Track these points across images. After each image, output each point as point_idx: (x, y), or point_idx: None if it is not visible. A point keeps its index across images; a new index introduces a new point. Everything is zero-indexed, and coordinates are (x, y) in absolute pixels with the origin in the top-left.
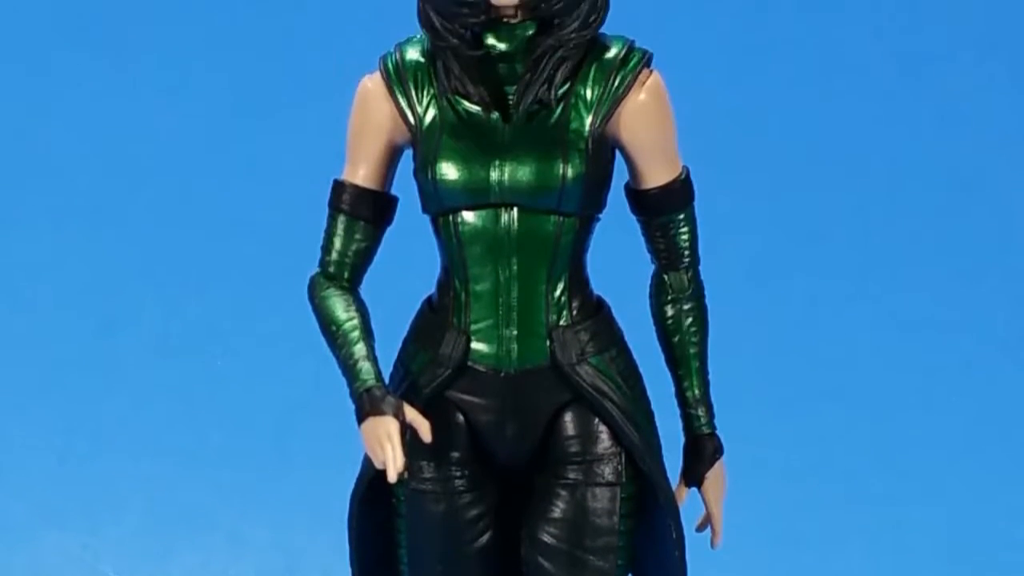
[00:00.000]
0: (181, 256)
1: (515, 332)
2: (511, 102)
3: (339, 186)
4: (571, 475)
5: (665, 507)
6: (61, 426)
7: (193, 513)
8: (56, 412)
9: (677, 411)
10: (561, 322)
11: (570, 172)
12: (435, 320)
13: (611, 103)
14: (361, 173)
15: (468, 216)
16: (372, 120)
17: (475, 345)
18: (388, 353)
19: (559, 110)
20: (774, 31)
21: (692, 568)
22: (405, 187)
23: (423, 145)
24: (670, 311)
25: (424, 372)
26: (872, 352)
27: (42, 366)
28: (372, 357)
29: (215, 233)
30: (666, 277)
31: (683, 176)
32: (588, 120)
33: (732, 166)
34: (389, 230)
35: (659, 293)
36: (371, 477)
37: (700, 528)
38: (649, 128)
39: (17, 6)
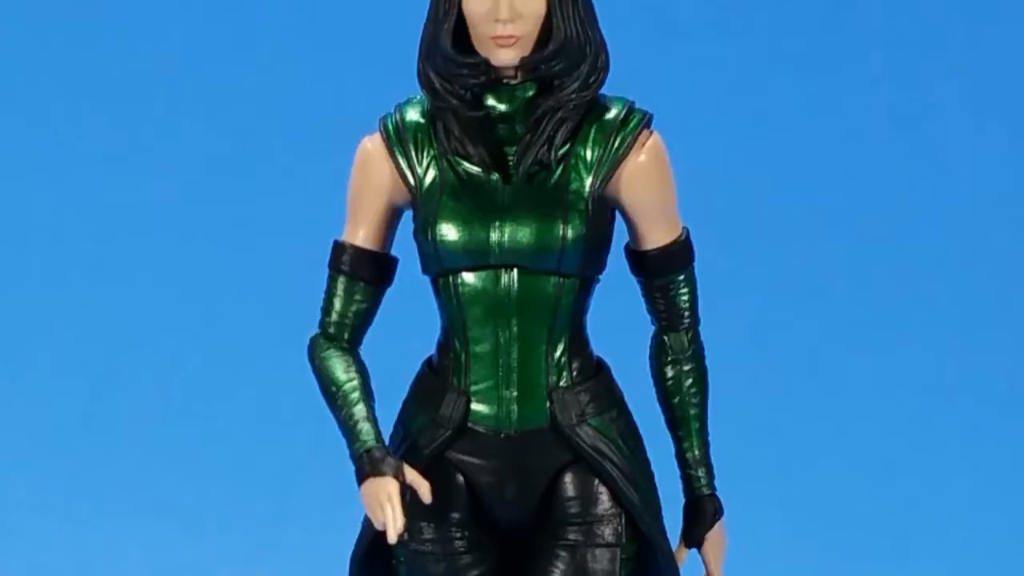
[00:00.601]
0: (180, 317)
1: (515, 393)
2: (511, 163)
3: (339, 247)
4: (571, 536)
5: (665, 568)
6: (61, 487)
7: (194, 574)
8: (56, 473)
9: (677, 472)
10: (561, 383)
11: (570, 233)
12: (435, 381)
13: (611, 164)
14: (361, 234)
15: (468, 277)
16: (372, 181)
17: (475, 406)
18: (388, 414)
19: (559, 171)
20: (772, 92)
21: None
22: (405, 248)
23: (423, 206)
24: (670, 372)
25: (424, 433)
26: (873, 412)
27: (42, 428)
28: (372, 418)
29: (214, 294)
30: (666, 338)
31: (683, 237)
32: (588, 181)
33: (732, 226)
34: (389, 290)
35: (659, 354)
36: (371, 538)
37: None
38: (649, 189)
39: (17, 67)
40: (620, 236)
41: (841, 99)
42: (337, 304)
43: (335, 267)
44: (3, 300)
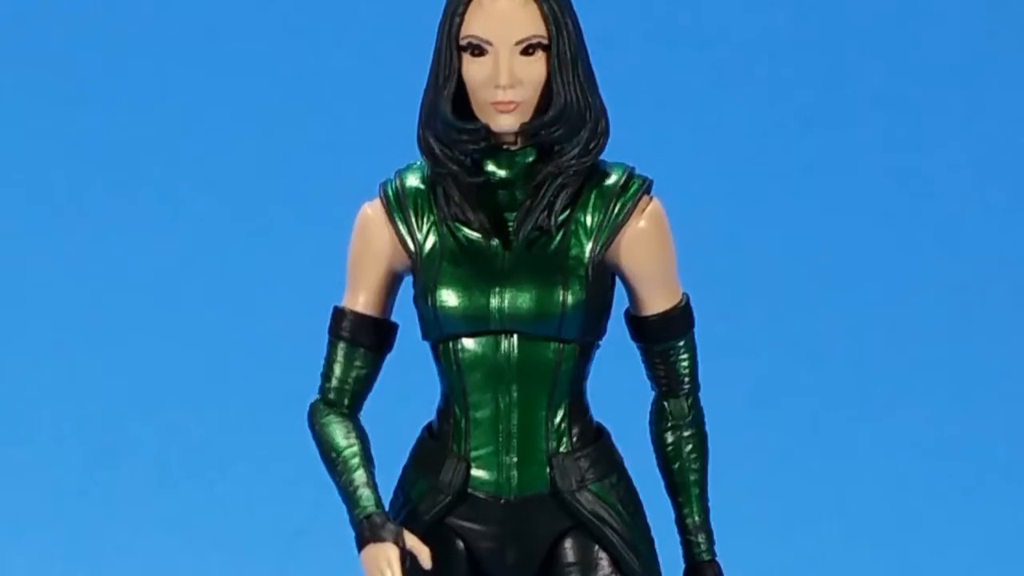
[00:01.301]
0: (180, 384)
1: (515, 459)
2: (511, 229)
3: (339, 313)
4: None
5: None
6: (61, 555)
7: None
8: (57, 541)
9: (677, 537)
10: (561, 449)
11: (570, 299)
12: (435, 447)
13: (611, 230)
14: (361, 300)
15: (468, 343)
16: (372, 247)
17: (475, 472)
18: (388, 480)
19: (559, 237)
20: (772, 157)
21: None
22: (405, 313)
23: (423, 272)
24: (670, 438)
25: (424, 499)
26: (873, 477)
27: (43, 495)
28: (372, 484)
29: (213, 360)
30: (666, 404)
31: (683, 303)
32: (588, 247)
33: (732, 292)
34: (389, 356)
35: (659, 420)
36: None
37: None
38: (649, 255)
39: (16, 132)
40: (620, 302)
41: (842, 163)
42: (337, 370)
43: (335, 333)
44: (2, 368)
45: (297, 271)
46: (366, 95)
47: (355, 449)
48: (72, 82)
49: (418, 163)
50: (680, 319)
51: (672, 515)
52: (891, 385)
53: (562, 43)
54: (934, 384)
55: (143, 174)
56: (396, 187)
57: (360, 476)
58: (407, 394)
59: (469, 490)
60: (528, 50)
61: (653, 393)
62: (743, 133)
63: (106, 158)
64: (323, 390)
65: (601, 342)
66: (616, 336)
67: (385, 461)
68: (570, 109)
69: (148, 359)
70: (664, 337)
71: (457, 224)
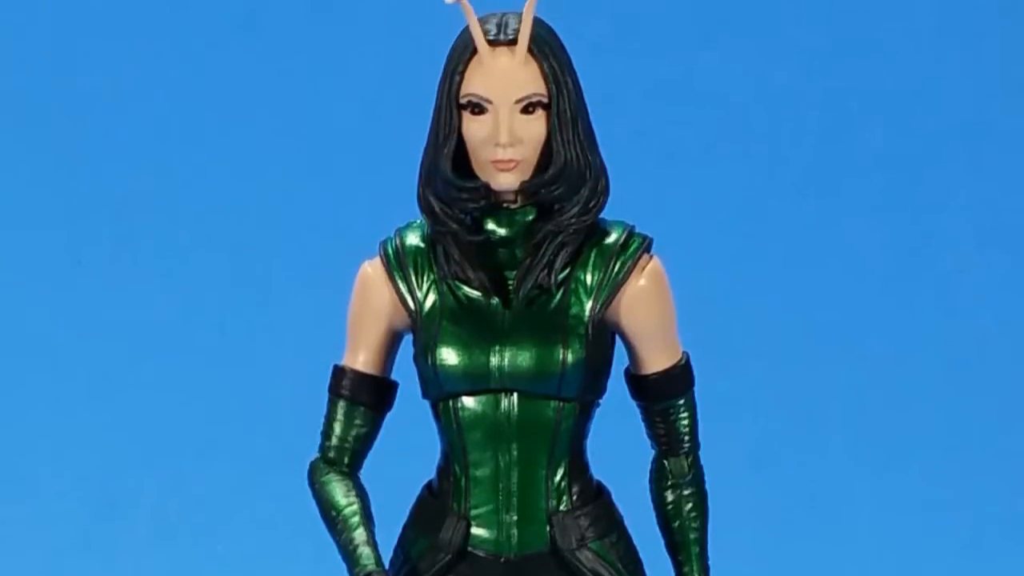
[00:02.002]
0: (180, 440)
1: (515, 517)
2: (511, 287)
3: (339, 371)
4: None
5: None
6: None
7: None
8: None
9: None
10: (561, 507)
11: (570, 357)
12: (435, 505)
13: (611, 288)
14: (361, 358)
15: (468, 401)
16: (372, 305)
17: (475, 530)
18: (388, 538)
19: (559, 295)
20: (772, 216)
21: None
22: (405, 371)
23: (423, 330)
24: (670, 496)
25: (424, 557)
26: (872, 535)
27: (43, 550)
28: (372, 542)
29: (214, 417)
30: (666, 462)
31: (683, 361)
32: (588, 305)
33: (732, 351)
34: (389, 414)
35: (659, 478)
36: None
37: None
38: (649, 313)
39: (17, 181)
40: (620, 360)
41: (841, 222)
42: (337, 428)
43: (335, 391)
44: (3, 423)
45: (297, 328)
46: (366, 152)
47: (355, 507)
48: (73, 137)
49: (418, 221)
50: (680, 378)
51: (672, 574)
52: (890, 444)
53: (562, 101)
54: (933, 444)
55: (144, 229)
56: (396, 245)
57: (360, 534)
58: (407, 452)
59: (469, 549)
60: (528, 108)
61: (653, 452)
62: (743, 192)
63: (107, 213)
64: (323, 448)
65: (601, 401)
66: (616, 394)
67: (385, 520)
68: (570, 168)
69: (148, 414)
70: (664, 396)
71: (457, 283)
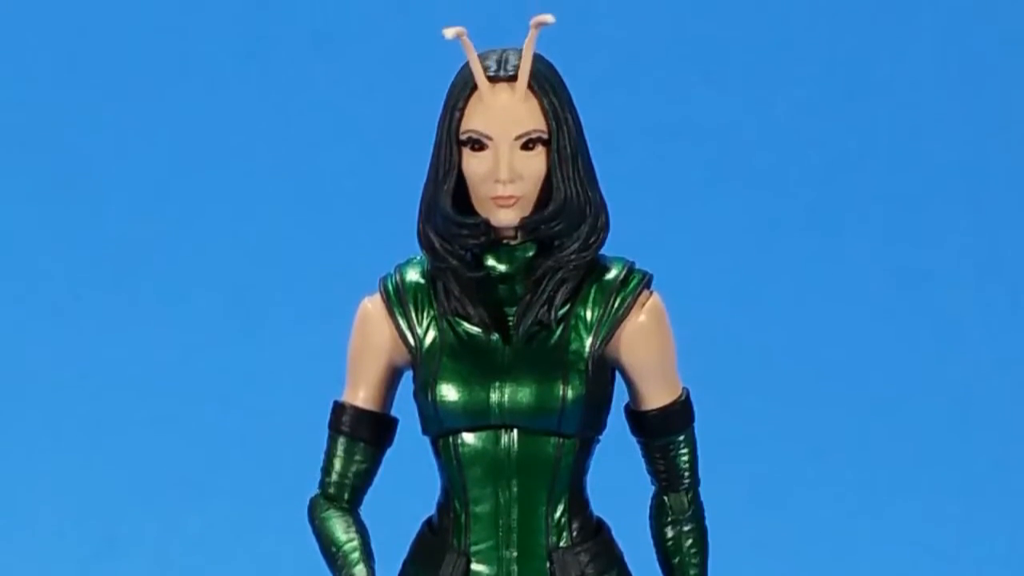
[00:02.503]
0: (179, 478)
1: (515, 554)
2: (511, 323)
3: (339, 408)
4: None
5: None
6: None
7: None
8: None
9: None
10: (561, 544)
11: (570, 393)
12: (435, 542)
13: (611, 324)
14: (361, 395)
15: (468, 438)
16: (372, 342)
17: (475, 567)
18: (388, 574)
19: (559, 331)
20: (772, 252)
21: None
22: (405, 408)
23: (423, 367)
24: (670, 532)
25: None
26: (874, 571)
27: None
28: None
29: (213, 454)
30: (666, 498)
31: (683, 398)
32: (588, 341)
33: (731, 387)
34: (389, 450)
35: (659, 515)
36: None
37: None
38: (649, 349)
39: (15, 228)
40: (620, 396)
41: (841, 257)
42: (337, 464)
43: (335, 428)
44: (3, 462)
45: (297, 365)
46: (366, 189)
47: (355, 544)
48: (72, 178)
49: (418, 257)
50: (680, 414)
51: None
52: (891, 480)
53: (562, 138)
54: (935, 480)
55: (144, 268)
56: (396, 282)
57: (360, 571)
58: (407, 489)
59: None
60: (528, 145)
61: (653, 488)
62: (742, 227)
63: (106, 253)
64: (323, 484)
65: (601, 437)
66: (616, 430)
67: (385, 556)
68: (570, 204)
69: (148, 453)
70: (664, 432)
71: (457, 319)
